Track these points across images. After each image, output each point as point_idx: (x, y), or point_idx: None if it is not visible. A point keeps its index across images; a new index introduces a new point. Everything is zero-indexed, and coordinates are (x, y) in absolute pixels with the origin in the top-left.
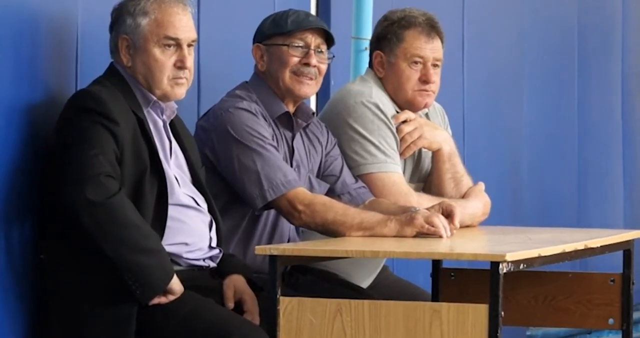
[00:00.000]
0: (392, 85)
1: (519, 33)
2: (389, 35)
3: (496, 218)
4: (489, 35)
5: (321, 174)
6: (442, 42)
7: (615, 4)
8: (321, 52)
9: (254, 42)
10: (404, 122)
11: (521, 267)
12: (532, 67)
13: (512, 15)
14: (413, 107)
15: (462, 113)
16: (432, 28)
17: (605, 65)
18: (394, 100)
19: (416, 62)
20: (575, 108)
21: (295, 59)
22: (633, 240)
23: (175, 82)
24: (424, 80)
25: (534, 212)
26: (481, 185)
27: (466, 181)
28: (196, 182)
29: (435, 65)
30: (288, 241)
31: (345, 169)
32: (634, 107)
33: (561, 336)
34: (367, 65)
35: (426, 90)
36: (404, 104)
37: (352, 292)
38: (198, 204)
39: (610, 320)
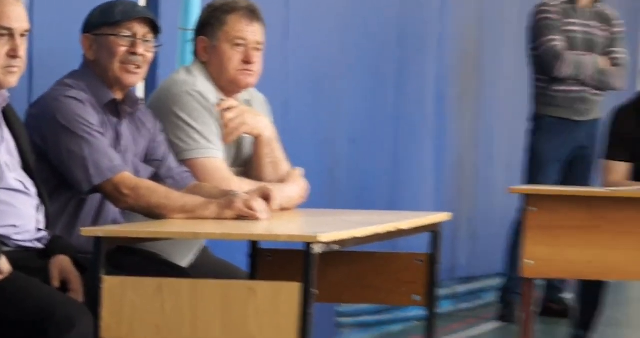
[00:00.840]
0: (216, 67)
1: (341, 23)
2: (212, 20)
3: (314, 201)
4: (312, 25)
5: (147, 159)
6: (262, 27)
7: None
8: (148, 41)
9: (82, 32)
10: (227, 109)
11: (334, 247)
12: (353, 58)
13: (335, 6)
14: (235, 86)
15: (284, 101)
16: (252, 13)
17: (422, 58)
18: (218, 83)
19: (238, 44)
20: (392, 98)
21: (123, 49)
22: (440, 222)
23: (8, 71)
24: (246, 60)
25: (349, 195)
26: (300, 171)
27: (285, 166)
28: (26, 168)
29: (256, 49)
30: (113, 223)
31: (170, 154)
32: (446, 99)
33: (370, 311)
34: (193, 56)
35: (248, 70)
36: (227, 84)
37: (173, 271)
38: (27, 189)
39: (416, 297)
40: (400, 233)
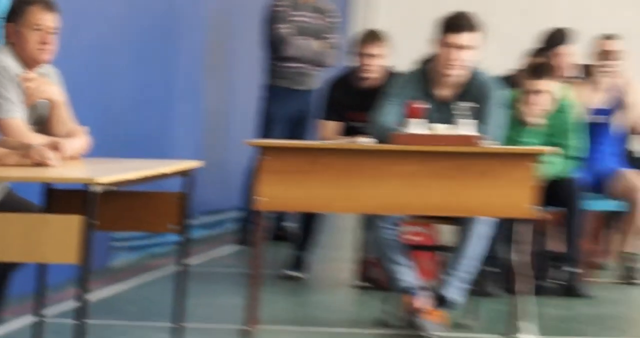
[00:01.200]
0: (21, 47)
1: (121, 10)
2: (17, 10)
3: (96, 153)
4: (98, 11)
5: None
6: (57, 15)
7: None
8: None
9: None
10: (28, 80)
11: (111, 187)
12: (130, 37)
13: None
14: (35, 62)
15: (72, 73)
16: (48, 4)
17: (187, 34)
18: (21, 60)
19: (37, 29)
20: (161, 69)
21: None
22: (193, 168)
23: None
24: (43, 42)
25: (126, 147)
26: (84, 128)
27: (72, 125)
28: None
29: (51, 33)
30: None
31: None
32: (203, 70)
33: (139, 237)
34: (2, 39)
35: (45, 49)
36: (28, 60)
37: None
38: None
39: (173, 226)
40: (163, 176)
